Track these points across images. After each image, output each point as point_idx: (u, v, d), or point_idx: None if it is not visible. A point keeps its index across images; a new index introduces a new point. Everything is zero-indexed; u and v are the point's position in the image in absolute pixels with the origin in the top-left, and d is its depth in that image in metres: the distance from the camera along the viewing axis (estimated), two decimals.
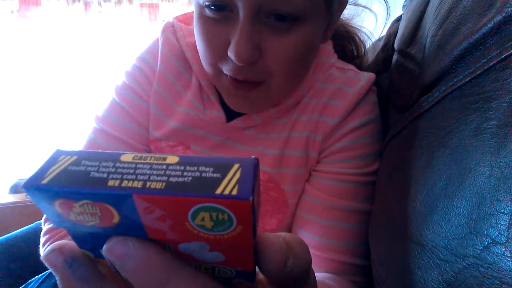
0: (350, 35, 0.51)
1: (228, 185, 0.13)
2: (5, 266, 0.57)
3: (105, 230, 0.14)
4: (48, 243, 0.41)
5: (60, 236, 0.41)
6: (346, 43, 0.51)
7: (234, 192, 0.12)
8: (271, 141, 0.44)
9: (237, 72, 0.36)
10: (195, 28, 0.38)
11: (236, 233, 0.13)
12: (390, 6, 0.51)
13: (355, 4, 0.48)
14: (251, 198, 0.12)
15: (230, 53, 0.34)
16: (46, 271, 0.53)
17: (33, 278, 0.52)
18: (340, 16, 0.43)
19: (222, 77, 0.38)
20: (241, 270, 0.16)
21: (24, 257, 0.58)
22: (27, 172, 1.56)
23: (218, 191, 0.12)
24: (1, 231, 0.89)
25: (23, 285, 0.51)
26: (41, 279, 0.51)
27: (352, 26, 0.51)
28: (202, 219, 0.13)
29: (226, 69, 0.37)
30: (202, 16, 0.36)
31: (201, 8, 0.35)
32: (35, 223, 0.66)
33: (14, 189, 1.55)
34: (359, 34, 0.52)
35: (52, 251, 0.16)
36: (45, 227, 0.43)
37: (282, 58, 0.36)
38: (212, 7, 0.34)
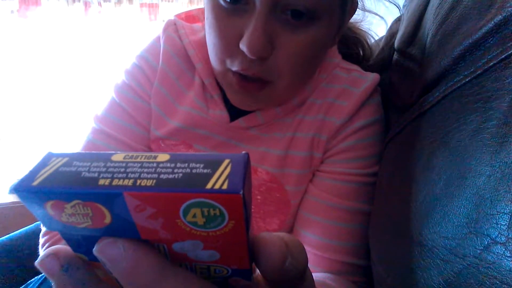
0: (358, 38, 0.51)
1: (219, 180, 0.13)
2: (5, 267, 0.57)
3: (97, 231, 0.14)
4: (47, 244, 0.41)
5: (60, 237, 0.41)
6: (352, 45, 0.51)
7: (225, 187, 0.12)
8: (275, 141, 0.44)
9: (247, 67, 0.35)
10: (207, 20, 0.37)
11: (229, 229, 0.13)
12: (391, 7, 0.50)
13: (364, 10, 0.47)
14: (241, 192, 0.12)
15: (242, 45, 0.34)
16: None
17: (32, 279, 0.52)
18: (349, 20, 0.43)
19: (229, 75, 0.38)
20: (237, 269, 0.16)
21: (24, 257, 0.58)
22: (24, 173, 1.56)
23: (209, 185, 0.12)
24: (1, 231, 0.89)
25: (23, 286, 0.51)
26: (41, 279, 0.51)
27: (360, 29, 0.51)
28: (194, 216, 0.13)
29: (235, 65, 0.36)
30: (215, 7, 0.35)
31: None
32: (34, 223, 0.66)
33: None
34: (366, 37, 0.51)
35: (47, 256, 0.15)
36: (44, 227, 0.43)
37: (293, 57, 0.35)
38: None
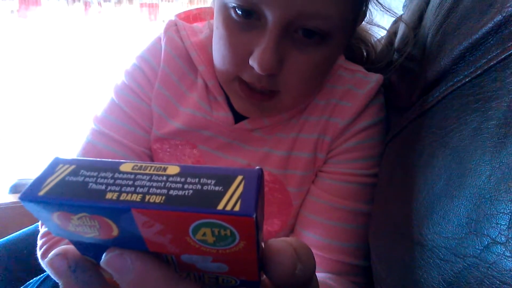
0: (362, 41, 0.51)
1: (231, 200, 0.12)
2: (5, 268, 0.57)
3: (105, 242, 0.14)
4: (45, 246, 0.41)
5: (57, 239, 0.41)
6: (357, 48, 0.51)
7: (237, 208, 0.12)
8: (278, 142, 0.44)
9: (256, 80, 0.35)
10: (217, 30, 0.37)
11: (239, 248, 0.13)
12: (390, 6, 0.50)
13: (371, 24, 0.47)
14: (254, 215, 0.12)
15: (253, 62, 0.33)
16: (45, 273, 0.53)
17: (31, 280, 0.52)
18: (355, 30, 0.43)
19: (236, 83, 0.38)
20: (245, 280, 0.16)
21: (23, 258, 0.58)
22: (27, 172, 1.56)
23: (220, 206, 0.12)
24: (1, 231, 0.89)
25: (23, 286, 0.51)
26: (40, 280, 0.51)
27: (365, 31, 0.51)
28: (204, 234, 0.12)
29: (243, 76, 0.36)
30: (227, 19, 0.35)
31: (227, 9, 0.34)
32: (34, 224, 0.66)
33: (14, 189, 1.55)
34: (371, 39, 0.51)
35: (56, 256, 0.15)
36: (42, 229, 0.43)
37: (302, 74, 0.35)
38: (239, 11, 0.33)
